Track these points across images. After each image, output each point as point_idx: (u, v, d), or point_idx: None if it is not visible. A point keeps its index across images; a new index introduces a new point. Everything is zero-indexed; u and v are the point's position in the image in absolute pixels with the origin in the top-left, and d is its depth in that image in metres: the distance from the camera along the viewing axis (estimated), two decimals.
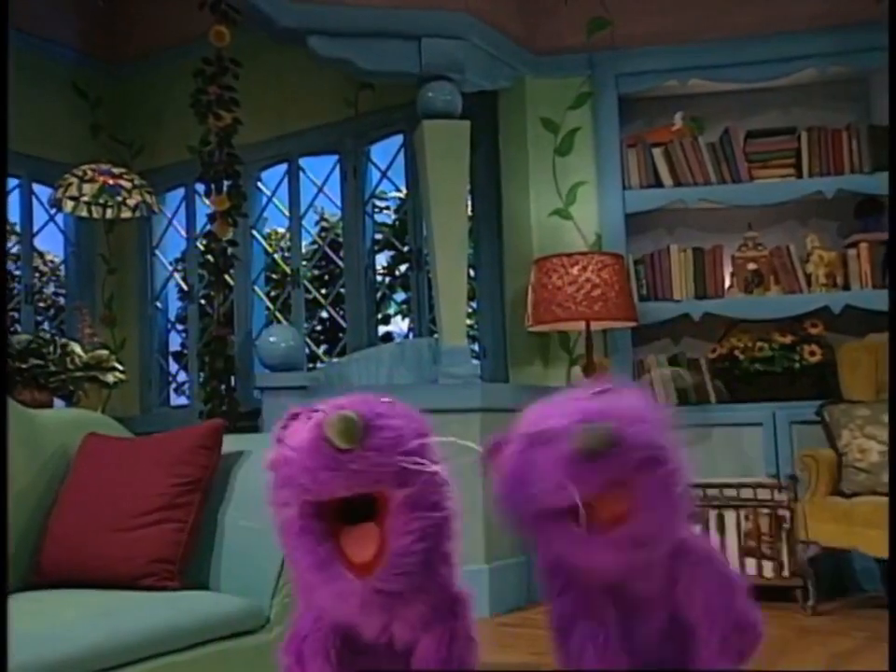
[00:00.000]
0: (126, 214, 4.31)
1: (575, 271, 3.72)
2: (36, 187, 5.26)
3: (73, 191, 4.06)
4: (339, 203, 4.95)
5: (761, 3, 4.11)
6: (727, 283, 4.16)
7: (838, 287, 4.03)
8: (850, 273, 4.03)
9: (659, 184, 4.17)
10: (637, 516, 1.09)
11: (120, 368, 3.98)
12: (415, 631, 1.14)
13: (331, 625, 1.15)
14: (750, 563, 3.49)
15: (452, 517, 1.12)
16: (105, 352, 3.99)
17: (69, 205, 4.16)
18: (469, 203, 4.31)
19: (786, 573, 3.46)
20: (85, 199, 4.11)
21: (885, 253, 3.99)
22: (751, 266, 4.10)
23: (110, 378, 3.94)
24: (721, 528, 3.51)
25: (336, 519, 1.09)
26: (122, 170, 4.34)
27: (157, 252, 5.52)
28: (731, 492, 3.58)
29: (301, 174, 5.04)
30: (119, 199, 4.21)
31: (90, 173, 4.12)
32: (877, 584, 3.70)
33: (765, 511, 3.52)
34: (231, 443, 2.01)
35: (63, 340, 3.80)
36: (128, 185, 4.24)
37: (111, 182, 4.14)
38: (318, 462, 1.01)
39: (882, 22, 3.97)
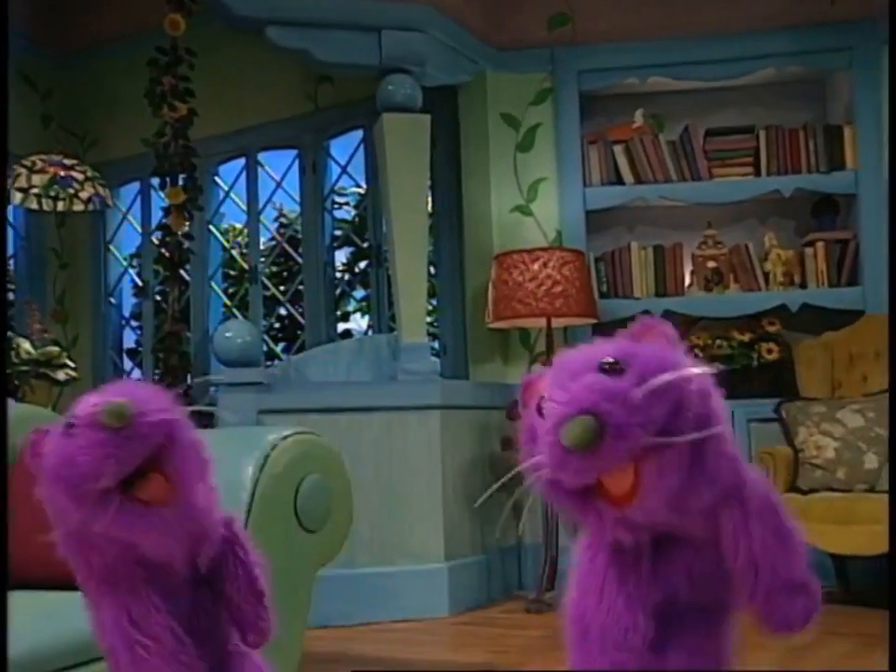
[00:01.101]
0: (78, 207, 4.20)
1: (536, 267, 3.70)
2: None
3: (22, 182, 3.95)
4: (298, 199, 4.89)
5: (720, 2, 4.13)
6: (687, 281, 4.18)
7: (795, 285, 4.07)
8: (807, 272, 4.07)
9: (620, 181, 4.18)
10: (644, 494, 1.03)
11: (72, 365, 3.87)
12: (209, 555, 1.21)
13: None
14: None
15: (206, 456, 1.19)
16: (55, 348, 3.88)
17: (18, 197, 4.04)
18: (430, 198, 4.28)
19: None
20: (35, 191, 4.00)
21: (839, 252, 4.04)
22: (711, 264, 4.12)
23: (61, 375, 3.83)
24: None
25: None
26: (74, 161, 4.24)
27: (111, 247, 5.40)
28: None
29: (260, 168, 4.97)
30: (72, 191, 4.11)
31: (40, 163, 4.01)
32: (832, 580, 3.74)
33: None
34: None
35: (10, 335, 3.69)
36: (80, 177, 4.14)
37: (62, 174, 4.04)
38: (97, 443, 1.07)
39: (836, 24, 4.02)
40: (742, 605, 1.09)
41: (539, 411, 1.02)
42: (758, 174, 4.13)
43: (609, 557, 1.11)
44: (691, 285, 4.16)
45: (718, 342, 3.97)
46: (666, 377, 0.99)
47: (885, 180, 3.96)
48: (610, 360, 1.01)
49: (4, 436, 1.75)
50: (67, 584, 1.68)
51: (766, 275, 4.08)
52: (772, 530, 1.07)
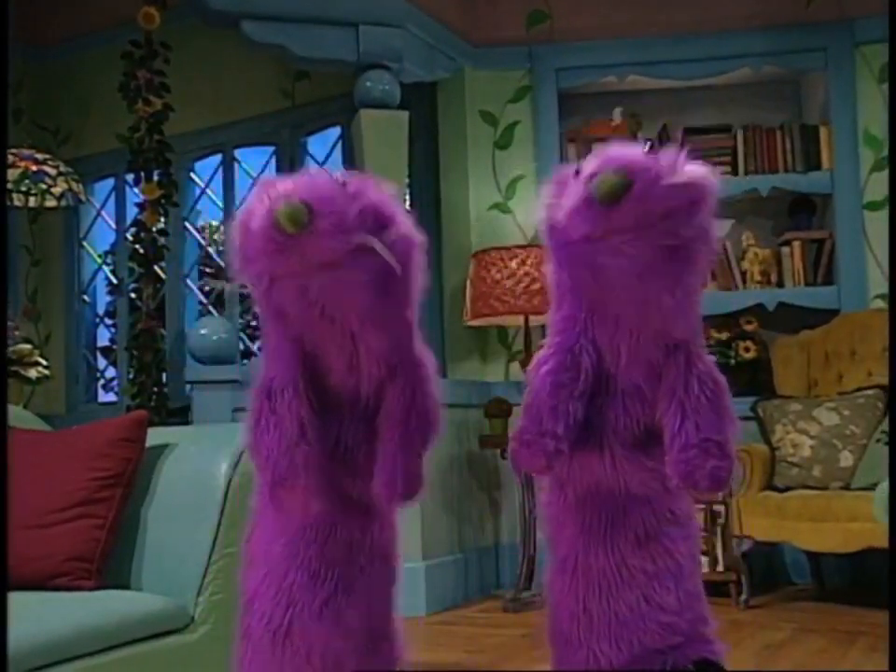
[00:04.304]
0: (51, 203, 4.13)
1: (514, 264, 3.69)
2: None
3: None
4: None
5: (698, 2, 4.14)
6: None
7: (772, 284, 4.08)
8: (784, 271, 4.08)
9: None
10: None
11: (44, 363, 3.81)
12: (381, 375, 1.18)
13: (300, 370, 1.18)
14: None
15: (419, 275, 1.19)
16: (27, 346, 3.82)
17: None
18: (407, 195, 4.26)
19: (720, 568, 3.48)
20: (6, 186, 3.93)
21: (815, 251, 4.06)
22: None
23: (33, 374, 3.77)
24: None
25: None
26: (46, 156, 4.17)
27: (84, 244, 5.34)
28: None
29: (236, 165, 4.93)
30: (44, 186, 4.04)
31: (11, 158, 3.94)
32: (807, 577, 3.76)
33: (701, 506, 3.53)
34: (155, 436, 1.93)
35: None
36: (52, 172, 4.06)
37: (34, 168, 3.97)
38: (271, 246, 1.05)
39: (811, 25, 4.04)
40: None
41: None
42: (735, 173, 4.14)
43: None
44: None
45: None
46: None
47: (861, 180, 3.99)
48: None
49: (4, 436, 1.73)
50: (39, 584, 1.66)
51: (743, 274, 4.10)
52: (708, 393, 1.12)
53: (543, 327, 4.07)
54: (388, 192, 1.14)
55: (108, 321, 5.66)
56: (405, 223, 1.15)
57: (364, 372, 1.15)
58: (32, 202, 4.08)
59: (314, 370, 1.15)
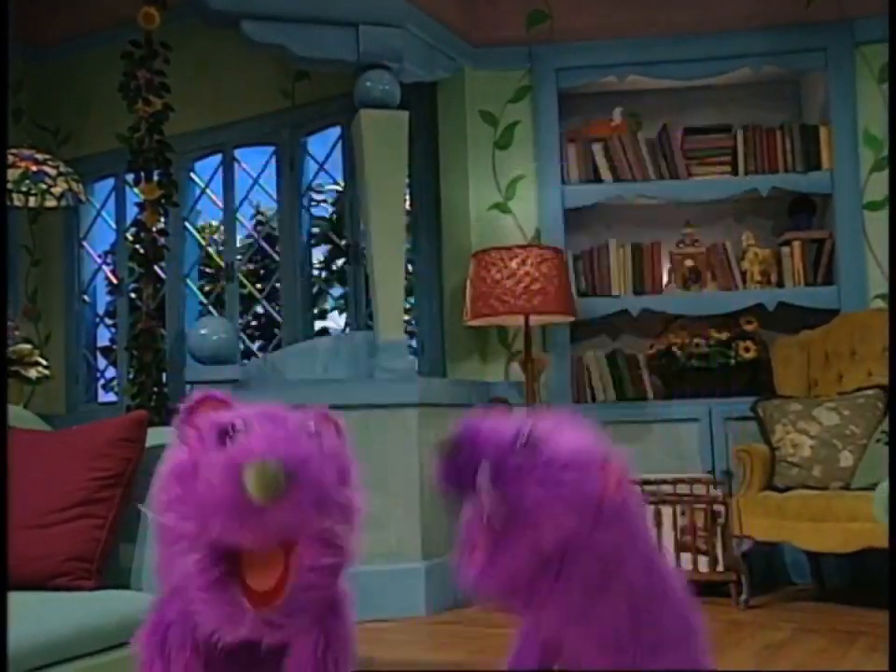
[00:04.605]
0: (51, 203, 4.13)
1: (514, 264, 3.69)
2: None
3: None
4: (275, 196, 4.85)
5: (698, 2, 4.14)
6: (665, 279, 4.18)
7: (772, 284, 4.08)
8: (784, 271, 4.08)
9: (598, 179, 4.17)
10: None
11: (44, 363, 3.81)
12: (289, 634, 1.08)
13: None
14: (686, 558, 3.50)
15: (353, 553, 1.07)
16: (27, 346, 3.82)
17: None
18: (408, 196, 4.26)
19: (720, 568, 3.48)
20: (6, 186, 3.93)
21: (815, 251, 4.06)
22: (689, 263, 4.13)
23: (33, 374, 3.77)
24: (658, 524, 3.51)
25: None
26: (47, 156, 4.16)
27: (84, 244, 5.34)
28: (667, 487, 3.58)
29: (236, 165, 4.92)
30: (44, 186, 4.03)
31: (11, 158, 3.94)
32: (807, 577, 3.76)
33: (701, 506, 3.53)
34: (155, 436, 1.92)
35: None
36: (52, 172, 4.06)
37: (34, 168, 3.97)
38: (230, 512, 0.92)
39: (811, 25, 4.04)
40: None
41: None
42: (735, 173, 4.14)
43: None
44: (668, 283, 4.17)
45: (695, 340, 3.98)
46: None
47: (861, 180, 4.00)
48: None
49: (4, 436, 1.73)
50: (39, 584, 1.66)
51: (743, 274, 4.10)
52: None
53: (543, 327, 4.08)
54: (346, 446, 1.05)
55: (108, 321, 5.65)
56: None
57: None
58: (32, 202, 4.07)
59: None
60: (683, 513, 3.52)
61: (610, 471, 1.06)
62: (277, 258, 4.90)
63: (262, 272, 6.85)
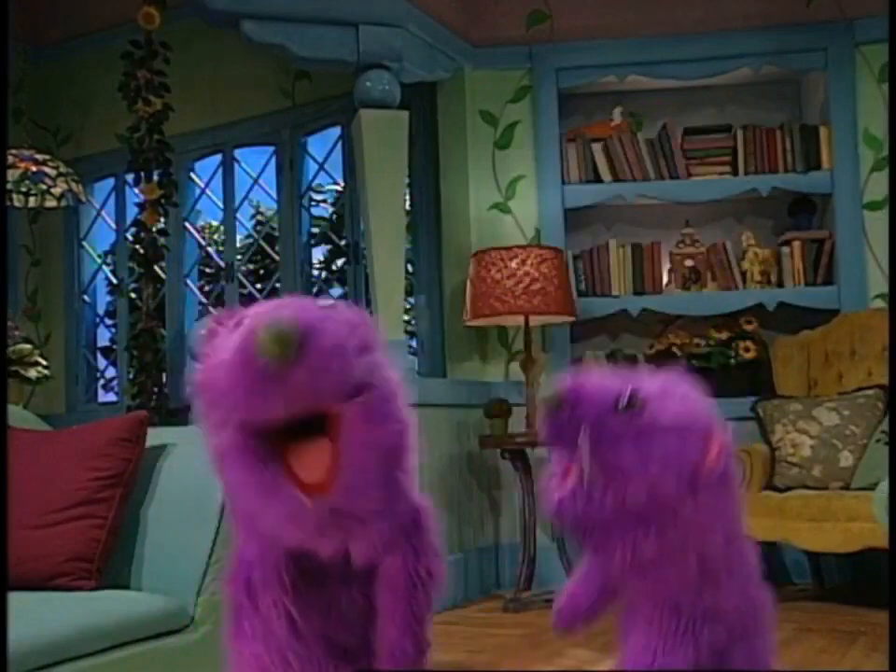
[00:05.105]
0: (51, 203, 4.13)
1: (514, 264, 3.69)
2: None
3: None
4: (275, 196, 4.85)
5: (698, 2, 4.14)
6: (665, 279, 4.18)
7: (772, 284, 4.08)
8: (784, 271, 4.08)
9: (598, 179, 4.17)
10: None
11: (44, 363, 3.81)
12: (377, 550, 1.03)
13: (282, 551, 1.02)
14: None
15: (409, 427, 1.01)
16: (27, 346, 3.82)
17: None
18: (408, 195, 4.25)
19: None
20: (6, 186, 3.93)
21: (815, 251, 4.06)
22: (689, 263, 4.13)
23: (33, 374, 3.77)
24: None
25: (281, 436, 0.93)
26: (46, 157, 4.17)
27: (84, 244, 5.34)
28: None
29: (236, 165, 4.92)
30: (44, 187, 4.04)
31: (11, 158, 3.94)
32: (807, 577, 3.76)
33: None
34: (155, 436, 1.93)
35: None
36: (52, 172, 4.06)
37: (34, 169, 3.97)
38: (249, 379, 0.86)
39: (811, 25, 4.05)
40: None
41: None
42: (735, 173, 4.14)
43: None
44: (668, 283, 4.17)
45: (695, 340, 3.98)
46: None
47: (861, 180, 3.99)
48: None
49: (4, 436, 1.73)
50: (39, 584, 1.66)
51: (743, 274, 4.10)
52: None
53: (543, 327, 4.08)
54: (370, 319, 0.98)
55: (108, 321, 5.65)
56: (385, 359, 1.00)
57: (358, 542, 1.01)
58: (32, 202, 4.08)
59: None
60: None
61: (713, 440, 1.07)
62: (277, 258, 4.90)
63: (262, 272, 6.85)
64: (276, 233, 4.98)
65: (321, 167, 4.81)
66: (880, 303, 3.91)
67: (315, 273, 5.67)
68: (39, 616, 1.49)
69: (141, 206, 4.29)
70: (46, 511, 1.75)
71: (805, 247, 4.06)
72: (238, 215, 5.01)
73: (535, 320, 3.85)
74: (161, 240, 4.29)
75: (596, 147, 4.17)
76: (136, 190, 4.36)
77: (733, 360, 3.95)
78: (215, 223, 6.97)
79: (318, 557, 1.02)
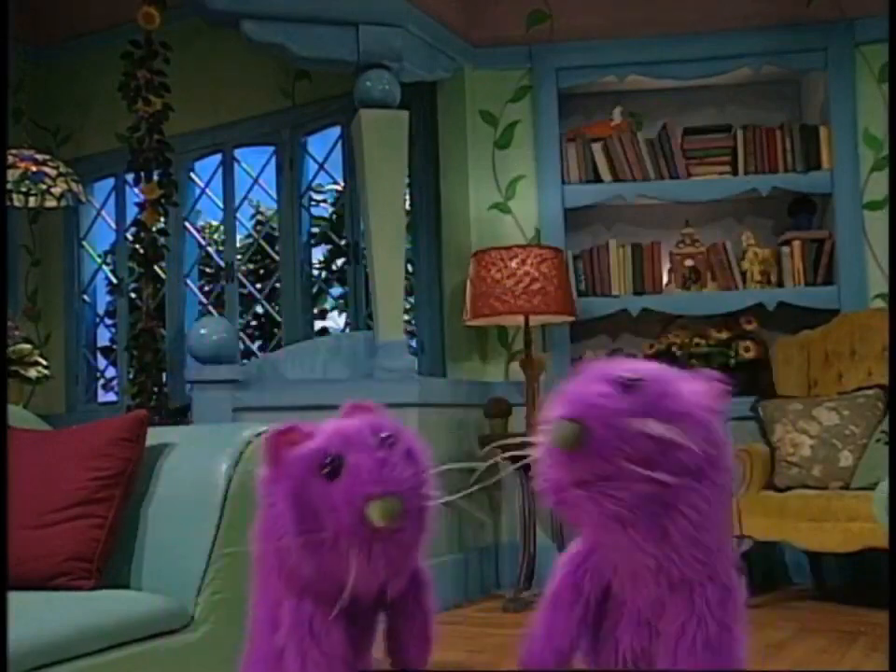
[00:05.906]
0: (51, 203, 4.13)
1: (514, 264, 3.69)
2: None
3: None
4: (275, 196, 4.85)
5: (698, 2, 4.13)
6: (665, 279, 4.18)
7: (772, 284, 4.08)
8: (784, 271, 4.08)
9: (598, 179, 4.17)
10: None
11: (44, 363, 3.81)
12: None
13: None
14: None
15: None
16: (27, 346, 3.82)
17: None
18: (408, 195, 4.26)
19: None
20: (6, 186, 3.93)
21: (815, 251, 4.06)
22: (689, 262, 4.13)
23: (33, 373, 3.77)
24: None
25: None
26: (46, 157, 4.17)
27: (84, 244, 5.34)
28: None
29: (236, 165, 4.93)
30: (44, 187, 4.04)
31: (11, 158, 3.94)
32: (807, 577, 3.76)
33: None
34: (155, 436, 1.92)
35: None
36: (52, 172, 4.06)
37: (34, 169, 3.97)
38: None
39: (811, 25, 4.05)
40: None
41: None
42: (735, 173, 4.14)
43: None
44: (668, 283, 4.17)
45: (695, 340, 3.98)
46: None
47: (861, 180, 3.99)
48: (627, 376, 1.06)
49: (4, 437, 1.73)
50: (39, 584, 1.66)
51: (743, 274, 4.10)
52: (703, 637, 1.18)
53: (543, 327, 4.08)
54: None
55: (108, 321, 5.65)
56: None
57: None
58: (32, 202, 4.08)
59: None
60: None
61: (713, 428, 1.11)
62: (277, 258, 4.90)
63: (262, 272, 6.85)
64: (276, 233, 4.98)
65: (321, 167, 4.81)
66: (880, 303, 3.91)
67: (315, 272, 5.67)
68: (39, 616, 1.49)
69: (141, 206, 4.29)
70: (46, 510, 1.75)
71: (805, 247, 4.06)
72: (238, 214, 5.01)
73: (535, 320, 3.85)
74: (161, 240, 4.29)
75: (596, 147, 4.17)
76: (136, 190, 4.37)
77: (733, 360, 3.95)
78: (215, 223, 6.96)
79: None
